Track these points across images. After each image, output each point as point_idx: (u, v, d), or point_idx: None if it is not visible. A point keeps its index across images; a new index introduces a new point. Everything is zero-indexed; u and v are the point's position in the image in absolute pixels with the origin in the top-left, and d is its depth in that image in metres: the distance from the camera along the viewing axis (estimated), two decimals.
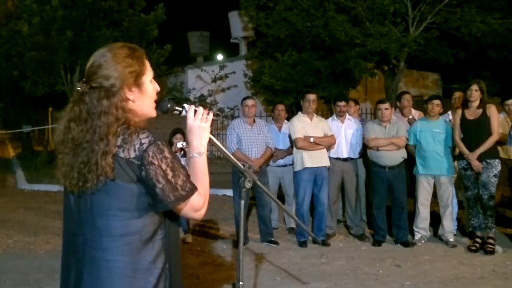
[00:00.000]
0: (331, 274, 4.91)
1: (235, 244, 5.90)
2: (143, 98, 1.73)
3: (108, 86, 1.64)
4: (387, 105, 5.97)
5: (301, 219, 5.85)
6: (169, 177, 1.60)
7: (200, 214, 1.72)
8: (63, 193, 1.76)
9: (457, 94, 6.38)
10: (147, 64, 1.76)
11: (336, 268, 5.10)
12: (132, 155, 1.59)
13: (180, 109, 1.84)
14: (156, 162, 1.59)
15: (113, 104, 1.63)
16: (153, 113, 1.78)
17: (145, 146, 1.60)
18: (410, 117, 6.43)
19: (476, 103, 5.45)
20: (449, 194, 5.80)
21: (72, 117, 1.66)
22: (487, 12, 9.99)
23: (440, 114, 6.01)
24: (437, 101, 5.84)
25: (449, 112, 6.42)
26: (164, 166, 1.60)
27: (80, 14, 11.80)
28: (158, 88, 1.80)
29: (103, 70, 1.66)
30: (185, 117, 1.84)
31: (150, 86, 1.76)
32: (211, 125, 1.87)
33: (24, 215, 8.19)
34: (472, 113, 5.49)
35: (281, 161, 6.47)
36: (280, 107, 6.69)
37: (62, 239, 1.79)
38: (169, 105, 1.83)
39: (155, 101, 1.79)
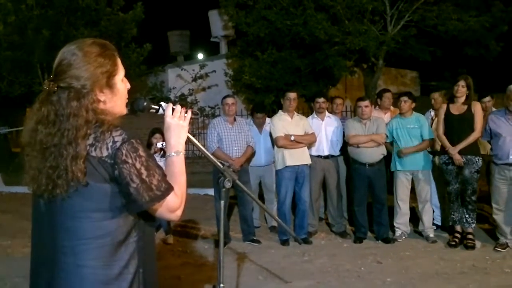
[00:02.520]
0: (313, 272, 4.91)
1: (217, 244, 5.84)
2: (115, 99, 1.66)
3: (79, 87, 1.57)
4: (367, 102, 6.01)
5: (283, 217, 5.85)
6: (144, 176, 1.54)
7: (176, 215, 1.66)
8: (32, 196, 1.68)
9: (435, 96, 6.45)
10: (119, 62, 1.69)
11: (318, 266, 5.11)
12: (105, 153, 1.53)
13: (157, 107, 1.79)
14: (130, 161, 1.53)
15: (83, 106, 1.55)
16: (124, 110, 1.71)
17: (118, 144, 1.53)
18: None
19: (462, 99, 5.52)
20: (427, 190, 5.86)
21: (40, 118, 1.58)
22: (463, 10, 10.15)
23: (415, 109, 6.07)
24: (405, 98, 5.92)
25: (430, 110, 6.49)
26: (138, 165, 1.54)
27: (56, 13, 11.63)
28: (129, 86, 1.73)
29: (73, 70, 1.58)
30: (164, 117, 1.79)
31: (122, 85, 1.69)
32: (190, 124, 1.83)
33: (1, 218, 8.03)
34: (457, 109, 5.55)
35: (262, 161, 6.45)
36: (260, 115, 6.56)
37: (31, 245, 1.71)
38: (145, 103, 1.78)
39: (127, 99, 1.73)
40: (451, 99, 5.68)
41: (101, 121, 1.56)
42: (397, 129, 5.90)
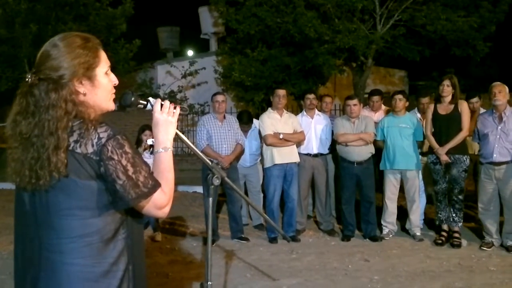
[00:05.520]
0: (301, 270, 4.93)
1: (206, 242, 5.84)
2: (96, 91, 1.63)
3: (56, 77, 1.55)
4: (355, 101, 6.03)
5: (271, 215, 5.86)
6: (130, 173, 1.53)
7: (163, 212, 1.65)
8: (15, 191, 1.65)
9: (424, 101, 6.48)
10: (102, 55, 1.66)
11: (306, 263, 5.13)
12: (90, 150, 1.51)
13: (145, 102, 1.77)
14: (115, 157, 1.51)
15: (62, 97, 1.53)
16: (110, 106, 1.69)
17: (103, 140, 1.52)
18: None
19: (448, 98, 5.56)
20: (415, 189, 5.90)
21: (19, 110, 1.57)
22: (451, 10, 10.22)
23: (408, 110, 6.13)
24: (400, 96, 5.96)
25: (415, 110, 6.53)
26: (124, 162, 1.52)
27: (44, 7, 11.47)
28: (115, 80, 1.70)
29: (51, 60, 1.56)
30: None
31: (104, 78, 1.65)
32: (180, 121, 1.82)
33: None
34: (444, 108, 5.60)
35: (247, 163, 6.45)
36: (246, 126, 6.43)
37: (14, 244, 1.68)
38: (132, 99, 1.76)
39: (114, 94, 1.70)
40: (437, 99, 5.72)
41: (82, 115, 1.55)
42: (389, 127, 5.92)
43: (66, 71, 1.56)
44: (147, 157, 5.13)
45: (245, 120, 6.44)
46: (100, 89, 1.64)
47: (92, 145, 1.52)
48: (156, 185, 1.59)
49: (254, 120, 6.76)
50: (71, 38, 1.60)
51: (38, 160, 1.51)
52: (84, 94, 1.60)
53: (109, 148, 1.52)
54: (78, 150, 1.52)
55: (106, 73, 1.66)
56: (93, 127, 1.53)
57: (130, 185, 1.52)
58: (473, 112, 6.18)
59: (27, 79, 1.58)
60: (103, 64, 1.66)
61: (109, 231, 1.57)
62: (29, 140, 1.54)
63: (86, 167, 1.51)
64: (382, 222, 6.05)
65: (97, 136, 1.52)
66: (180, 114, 1.80)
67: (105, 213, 1.56)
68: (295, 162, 6.01)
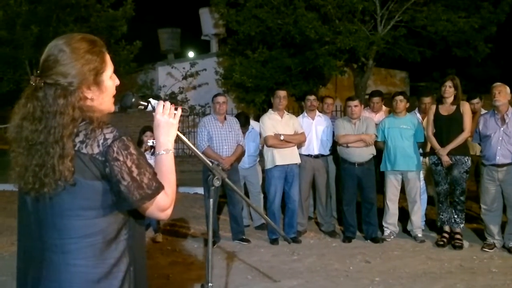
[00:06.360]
0: (302, 271, 4.92)
1: (207, 243, 5.84)
2: (103, 96, 1.63)
3: (65, 84, 1.54)
4: (356, 102, 6.02)
5: (272, 216, 5.85)
6: (134, 174, 1.53)
7: (166, 214, 1.65)
8: (18, 193, 1.64)
9: (426, 100, 6.46)
10: (108, 59, 1.66)
11: (307, 265, 5.12)
12: (96, 150, 1.51)
13: (145, 103, 1.76)
14: (121, 158, 1.52)
15: (70, 104, 1.52)
16: (112, 108, 1.69)
17: (109, 141, 1.52)
18: None
19: (450, 99, 5.56)
20: (417, 190, 5.89)
21: (25, 114, 1.55)
22: (452, 11, 10.23)
23: (408, 110, 6.12)
24: (400, 97, 5.95)
25: (416, 110, 6.52)
26: (129, 163, 1.53)
27: (45, 9, 11.49)
28: (117, 81, 1.70)
29: (60, 66, 1.54)
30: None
31: (110, 82, 1.66)
32: (180, 122, 1.81)
33: None
34: (446, 109, 5.59)
35: (246, 165, 6.46)
36: (244, 128, 6.43)
37: (17, 244, 1.68)
38: (133, 100, 1.75)
39: (115, 95, 1.70)
40: (439, 100, 5.72)
41: (90, 118, 1.54)
42: (389, 128, 5.91)
43: (75, 78, 1.55)
44: (148, 158, 5.13)
45: (243, 122, 6.45)
46: (106, 93, 1.65)
47: (98, 146, 1.52)
48: (160, 187, 1.59)
49: (252, 122, 6.77)
50: (77, 43, 1.58)
51: (42, 168, 1.51)
52: (92, 99, 1.60)
53: (115, 149, 1.52)
54: (84, 151, 1.52)
55: (110, 76, 1.67)
56: (99, 128, 1.53)
57: (135, 187, 1.53)
58: (474, 113, 6.18)
59: (32, 82, 1.56)
60: (109, 68, 1.66)
61: (111, 232, 1.57)
62: (33, 147, 1.53)
63: (91, 167, 1.52)
64: (383, 224, 6.04)
65: (103, 137, 1.52)
66: (180, 116, 1.79)
67: (109, 214, 1.56)
68: (296, 163, 6.01)
